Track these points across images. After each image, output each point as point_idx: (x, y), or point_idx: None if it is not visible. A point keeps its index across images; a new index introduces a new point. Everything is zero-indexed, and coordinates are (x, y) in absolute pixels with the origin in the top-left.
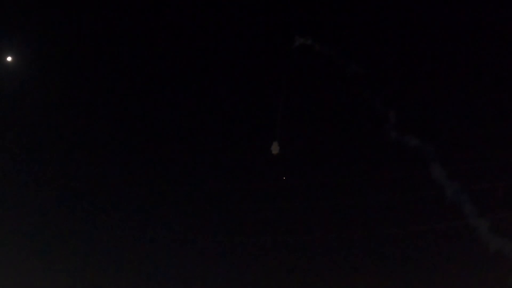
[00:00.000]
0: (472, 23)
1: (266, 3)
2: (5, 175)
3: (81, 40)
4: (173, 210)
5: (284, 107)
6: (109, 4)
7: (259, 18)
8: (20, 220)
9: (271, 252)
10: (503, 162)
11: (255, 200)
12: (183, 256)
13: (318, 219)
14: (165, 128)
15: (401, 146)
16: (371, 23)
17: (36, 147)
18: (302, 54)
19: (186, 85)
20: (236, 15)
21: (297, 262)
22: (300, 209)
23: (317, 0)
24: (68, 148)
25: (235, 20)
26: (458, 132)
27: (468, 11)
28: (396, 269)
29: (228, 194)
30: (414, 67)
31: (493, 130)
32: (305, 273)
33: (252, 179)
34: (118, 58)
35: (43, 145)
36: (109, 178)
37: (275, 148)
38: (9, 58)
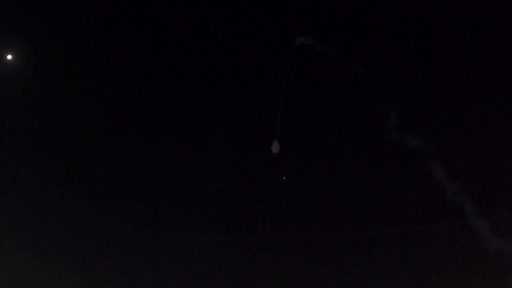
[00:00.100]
0: (473, 23)
1: (267, 3)
2: (5, 175)
3: (81, 38)
4: (173, 209)
5: (284, 106)
6: (110, 3)
7: (259, 18)
8: (20, 220)
9: (271, 252)
10: (504, 162)
11: (255, 199)
12: (183, 256)
13: (318, 219)
14: (165, 127)
15: (402, 146)
16: (372, 22)
17: (36, 146)
18: (302, 54)
19: (186, 84)
20: (236, 14)
21: (297, 262)
22: (300, 209)
23: None
24: (69, 147)
25: (235, 19)
26: (459, 132)
27: (469, 11)
28: (396, 269)
29: (228, 193)
30: (415, 67)
31: (494, 130)
32: (305, 273)
33: (252, 178)
34: (119, 57)
35: (43, 144)
36: (109, 177)
37: (275, 147)
38: (9, 57)
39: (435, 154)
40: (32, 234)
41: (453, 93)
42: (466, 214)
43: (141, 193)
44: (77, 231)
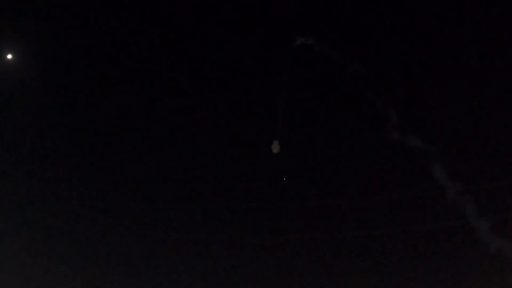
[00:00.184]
0: (474, 24)
1: (267, 3)
2: (5, 175)
3: (81, 38)
4: (173, 209)
5: (284, 106)
6: (110, 3)
7: (259, 18)
8: (20, 220)
9: (271, 252)
10: (505, 162)
11: (255, 199)
12: (183, 256)
13: (318, 219)
14: (166, 127)
15: (402, 146)
16: (372, 23)
17: (36, 146)
18: (302, 54)
19: (187, 83)
20: (236, 14)
21: (297, 262)
22: (300, 209)
23: None
24: (69, 147)
25: (235, 19)
26: (460, 133)
27: (470, 11)
28: (396, 269)
29: (228, 193)
30: (415, 67)
31: (495, 131)
32: (305, 273)
33: (252, 178)
34: (119, 57)
35: (43, 143)
36: (109, 177)
37: (275, 147)
38: (9, 56)
39: (435, 154)
40: (32, 234)
41: (454, 94)
42: (466, 214)
43: (141, 193)
44: (77, 231)
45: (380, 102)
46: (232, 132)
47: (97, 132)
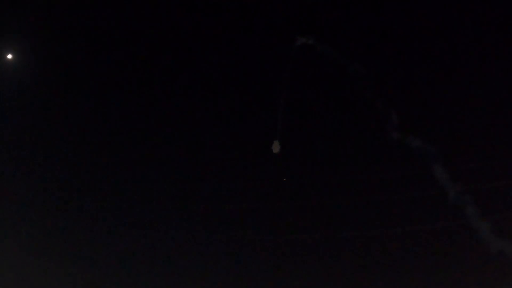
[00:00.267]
0: (474, 24)
1: (268, 3)
2: (5, 175)
3: (81, 38)
4: (173, 209)
5: (285, 106)
6: (109, 3)
7: (260, 18)
8: (19, 220)
9: (271, 252)
10: (506, 163)
11: (255, 199)
12: (183, 256)
13: (319, 219)
14: (166, 127)
15: (403, 146)
16: (373, 23)
17: (36, 146)
18: (303, 54)
19: (187, 83)
20: (237, 14)
21: (297, 262)
22: (301, 209)
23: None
24: (69, 147)
25: (236, 19)
26: (461, 133)
27: (470, 11)
28: (397, 270)
29: (228, 193)
30: (416, 67)
31: (496, 131)
32: (305, 273)
33: (252, 178)
34: (119, 56)
35: (44, 143)
36: (109, 177)
37: (276, 147)
38: (9, 56)
39: (436, 154)
40: (32, 234)
41: (455, 94)
42: (467, 215)
43: (141, 193)
44: (77, 231)
45: (380, 103)
46: (232, 132)
47: (97, 132)
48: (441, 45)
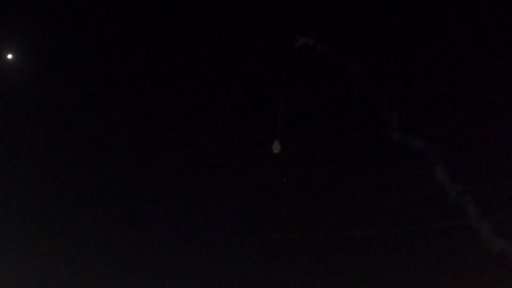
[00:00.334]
0: (475, 24)
1: (268, 3)
2: (4, 175)
3: (81, 37)
4: (173, 209)
5: (285, 106)
6: (109, 2)
7: (260, 18)
8: (20, 220)
9: (271, 252)
10: (507, 163)
11: (255, 199)
12: (183, 256)
13: (319, 219)
14: (167, 127)
15: (404, 147)
16: (374, 23)
17: (37, 146)
18: (304, 54)
19: (188, 83)
20: (238, 14)
21: (297, 262)
22: (301, 209)
23: None
24: (69, 147)
25: (237, 19)
26: (462, 133)
27: (471, 11)
28: (398, 270)
29: (228, 193)
30: (417, 67)
31: (497, 132)
32: (305, 273)
33: (252, 178)
34: (119, 56)
35: (44, 143)
36: (109, 177)
37: (276, 147)
38: (9, 56)
39: (437, 155)
40: (32, 234)
41: (456, 94)
42: (468, 215)
43: (141, 193)
44: (77, 231)
45: (381, 103)
46: (233, 132)
47: (97, 131)
48: (442, 46)
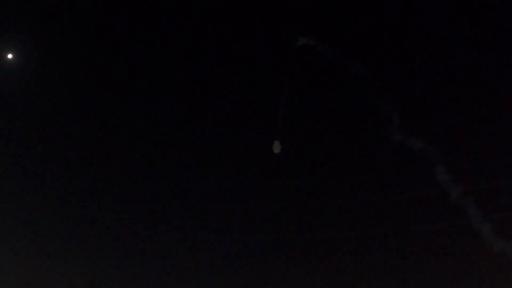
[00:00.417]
0: (476, 25)
1: (268, 3)
2: (5, 175)
3: (81, 37)
4: (173, 209)
5: (286, 106)
6: (109, 2)
7: (261, 18)
8: (19, 220)
9: (270, 252)
10: (507, 164)
11: (256, 199)
12: (183, 256)
13: (319, 219)
14: (167, 127)
15: (405, 147)
16: (375, 23)
17: (37, 145)
18: (304, 54)
19: (188, 83)
20: (238, 15)
21: (297, 262)
22: (301, 209)
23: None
24: (69, 146)
25: (237, 19)
26: (463, 134)
27: (472, 12)
28: (398, 270)
29: (229, 193)
30: (418, 68)
31: (498, 132)
32: (305, 273)
33: (252, 178)
34: (119, 56)
35: (44, 143)
36: (109, 177)
37: (276, 147)
38: (9, 56)
39: (438, 155)
40: (32, 234)
41: (457, 95)
42: (469, 216)
43: (141, 193)
44: (77, 231)
45: (382, 103)
46: (233, 132)
47: (97, 132)
48: (443, 47)
